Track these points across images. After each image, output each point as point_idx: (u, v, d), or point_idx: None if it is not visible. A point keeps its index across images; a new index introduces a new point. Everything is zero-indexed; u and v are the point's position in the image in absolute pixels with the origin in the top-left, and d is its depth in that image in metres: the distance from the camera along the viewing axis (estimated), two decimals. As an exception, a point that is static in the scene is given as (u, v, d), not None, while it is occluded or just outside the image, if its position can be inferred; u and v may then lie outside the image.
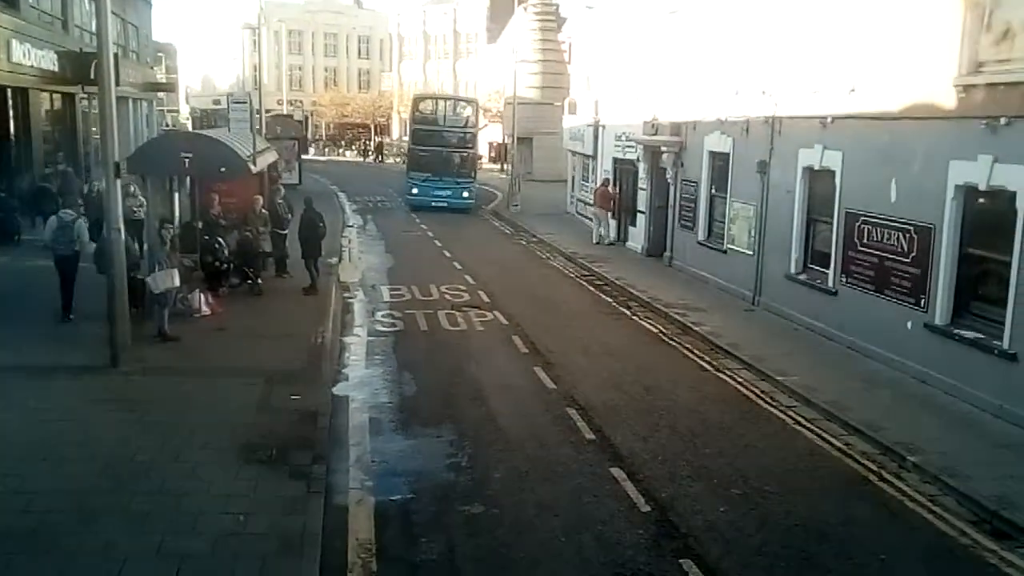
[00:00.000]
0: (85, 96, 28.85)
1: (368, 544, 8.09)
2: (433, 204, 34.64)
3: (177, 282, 14.18)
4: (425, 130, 36.31)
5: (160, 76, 52.33)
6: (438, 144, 35.71)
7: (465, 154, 36.16)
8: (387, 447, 10.50)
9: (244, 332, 14.73)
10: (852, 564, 8.18)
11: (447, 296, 19.23)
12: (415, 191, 35.52)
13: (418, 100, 39.79)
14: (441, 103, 39.26)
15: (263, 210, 18.68)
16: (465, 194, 35.48)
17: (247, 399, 11.33)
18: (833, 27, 16.07)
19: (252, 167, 17.47)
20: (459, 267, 22.72)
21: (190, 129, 46.65)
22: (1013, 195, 11.89)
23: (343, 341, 15.17)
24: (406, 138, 72.38)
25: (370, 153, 70.48)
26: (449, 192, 35.17)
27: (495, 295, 19.45)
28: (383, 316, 17.15)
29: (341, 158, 70.18)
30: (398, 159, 63.29)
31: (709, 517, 8.97)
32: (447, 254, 24.87)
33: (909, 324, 13.99)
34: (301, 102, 76.75)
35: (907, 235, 14.11)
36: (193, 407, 10.95)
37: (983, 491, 9.58)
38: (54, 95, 28.87)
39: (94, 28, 12.81)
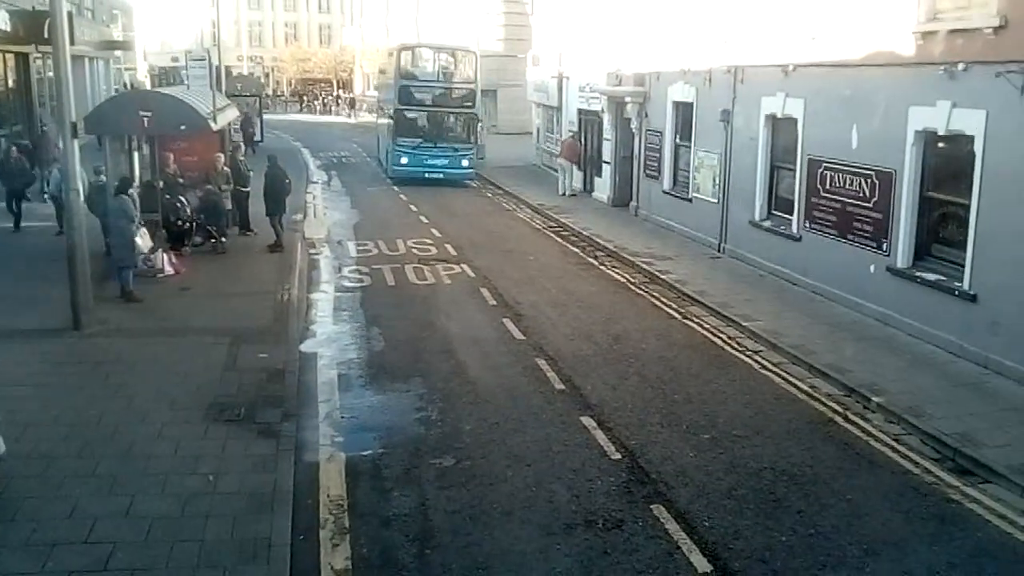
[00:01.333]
0: (39, 56, 28.03)
1: (340, 500, 8.09)
2: (427, 176, 29.06)
3: (150, 242, 14.28)
4: (415, 87, 29.88)
5: (117, 34, 50.92)
6: (432, 104, 29.92)
7: (464, 115, 30.13)
8: (356, 403, 10.48)
9: (209, 291, 14.56)
10: (820, 505, 8.34)
11: (414, 250, 19.12)
12: (404, 160, 29.30)
13: (404, 51, 31.41)
14: (434, 55, 32.08)
15: (225, 167, 18.37)
16: (465, 162, 29.79)
17: (214, 358, 11.23)
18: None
19: (213, 124, 17.11)
20: (425, 221, 22.58)
21: (149, 88, 45.54)
22: (971, 139, 12.00)
23: (310, 298, 15.06)
24: (372, 92, 71.82)
25: (337, 108, 68.88)
26: (446, 161, 29.48)
27: (462, 248, 19.37)
28: (350, 272, 17.02)
29: (303, 115, 69.02)
30: (370, 114, 62.52)
31: (679, 463, 9.09)
32: (413, 208, 24.70)
33: (872, 268, 14.16)
34: (261, 58, 75.40)
35: (868, 180, 14.21)
36: (159, 368, 10.83)
37: (945, 429, 9.79)
38: (7, 55, 27.99)
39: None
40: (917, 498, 8.60)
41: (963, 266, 12.34)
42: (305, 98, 76.89)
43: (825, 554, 7.50)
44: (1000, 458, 9.09)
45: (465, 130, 30.15)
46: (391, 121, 29.87)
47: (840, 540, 7.73)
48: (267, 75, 75.32)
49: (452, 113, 30.22)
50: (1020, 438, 9.64)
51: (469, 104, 29.99)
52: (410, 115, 29.71)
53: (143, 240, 13.92)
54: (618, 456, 9.20)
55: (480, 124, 31.02)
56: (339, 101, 69.36)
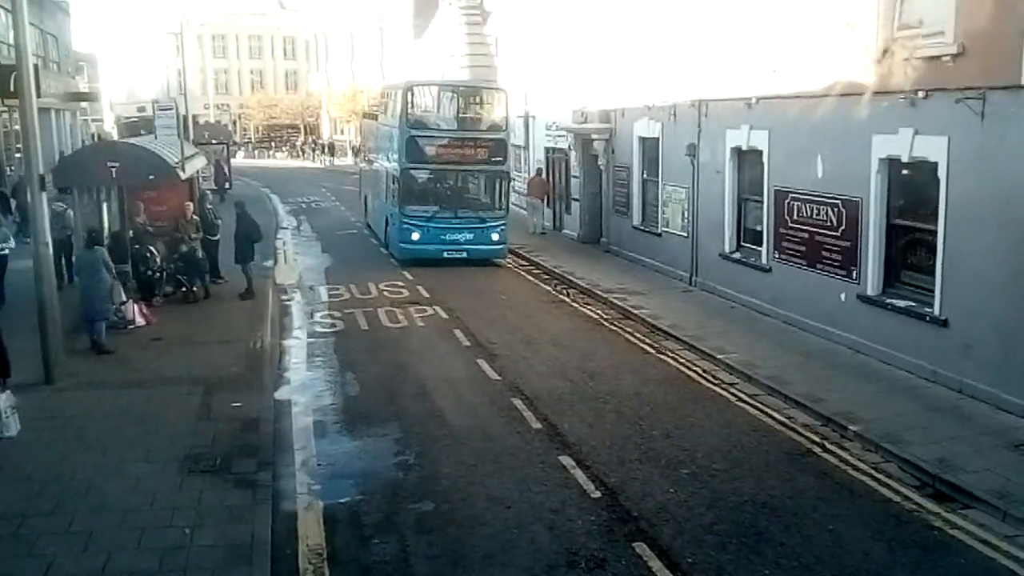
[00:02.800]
0: (5, 109, 27.85)
1: (319, 549, 7.95)
2: (446, 255, 22.01)
3: (121, 294, 14.17)
4: (428, 138, 22.24)
5: (83, 86, 50.81)
6: (451, 160, 22.39)
7: (493, 174, 22.77)
8: (333, 449, 10.35)
9: (181, 340, 14.38)
10: (802, 536, 8.32)
11: (386, 293, 19.06)
12: (415, 237, 21.97)
13: (413, 90, 23.15)
14: (452, 95, 24.37)
15: (194, 216, 18.26)
16: (495, 236, 22.38)
17: (187, 409, 11.06)
18: (754, 9, 16.31)
19: (181, 173, 17.05)
20: (395, 263, 22.53)
21: (115, 139, 45.29)
22: (935, 165, 12.22)
23: (283, 344, 14.92)
24: (341, 136, 71.88)
25: (312, 154, 68.06)
26: (470, 236, 22.25)
27: (434, 290, 19.33)
28: (322, 317, 16.91)
29: (272, 160, 68.96)
30: (338, 161, 62.55)
31: (659, 499, 9.05)
32: (383, 251, 24.64)
33: (842, 296, 14.31)
34: (228, 105, 75.42)
35: (835, 209, 14.41)
36: (132, 420, 10.64)
37: (923, 456, 9.85)
38: (-28, 109, 27.78)
39: (11, 40, 12.38)
40: (899, 526, 8.61)
41: (933, 291, 12.51)
42: (273, 144, 76.95)
43: (810, 585, 7.48)
44: (980, 483, 9.15)
45: (494, 193, 22.83)
46: (395, 185, 22.47)
47: (823, 571, 7.71)
48: (234, 122, 75.31)
49: (477, 172, 22.90)
50: (998, 462, 9.71)
51: (499, 159, 22.51)
52: (422, 176, 22.37)
53: (117, 291, 13.77)
54: (598, 494, 9.14)
55: (512, 184, 24.62)
56: (315, 146, 69.10)
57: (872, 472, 9.79)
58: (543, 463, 9.96)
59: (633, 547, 8.04)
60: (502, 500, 8.97)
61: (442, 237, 22.06)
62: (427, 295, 18.86)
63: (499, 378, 13.02)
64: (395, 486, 9.32)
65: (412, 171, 22.03)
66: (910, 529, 8.55)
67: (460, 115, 23.47)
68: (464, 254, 22.21)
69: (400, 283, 20.16)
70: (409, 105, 22.29)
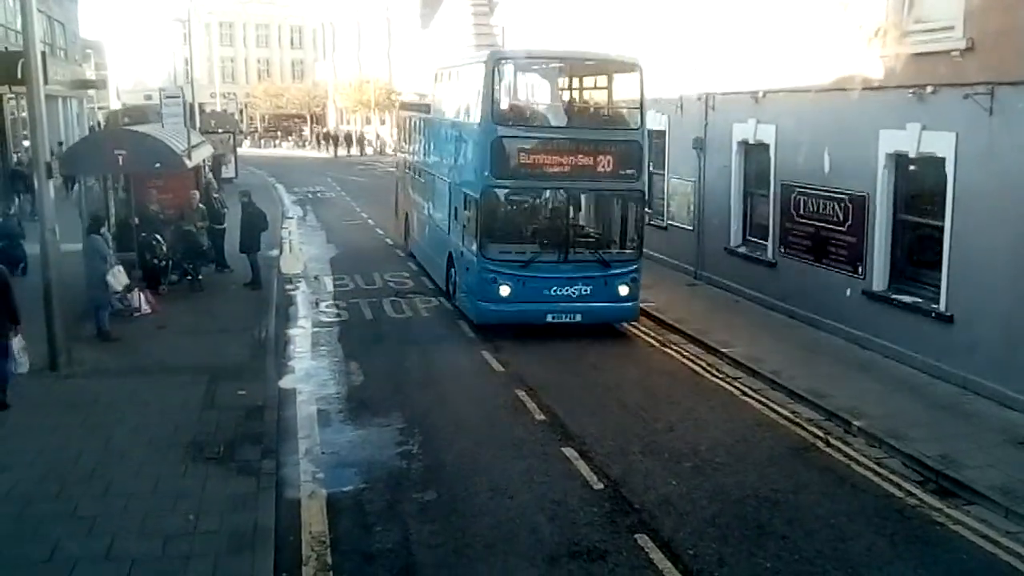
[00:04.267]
0: (13, 96, 27.89)
1: (322, 537, 7.98)
2: (551, 319, 14.63)
3: (127, 280, 14.18)
4: (527, 139, 14.83)
5: (90, 73, 50.86)
6: (560, 173, 14.63)
7: (623, 196, 15.24)
8: (337, 438, 10.38)
9: (186, 329, 14.42)
10: (804, 530, 8.32)
11: (391, 284, 19.07)
12: (505, 292, 14.48)
13: (502, 66, 15.45)
14: (562, 74, 18.15)
15: (200, 205, 18.29)
16: (623, 290, 14.82)
17: (192, 396, 11.09)
18: (761, 2, 16.25)
19: (187, 162, 17.07)
20: (401, 254, 22.53)
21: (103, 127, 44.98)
22: (942, 161, 12.18)
23: (288, 334, 14.95)
24: (345, 127, 71.44)
25: (327, 144, 67.15)
26: (587, 289, 14.63)
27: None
28: (327, 307, 16.94)
29: (278, 150, 68.95)
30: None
31: (662, 491, 9.05)
32: (389, 242, 24.64)
33: (848, 291, 14.29)
34: (234, 94, 75.31)
35: (842, 204, 14.38)
36: (137, 407, 10.68)
37: (927, 451, 9.84)
38: (-22, 95, 27.83)
39: (19, 26, 12.39)
40: (901, 521, 8.61)
41: (939, 288, 12.48)
42: (280, 133, 76.89)
43: (812, 579, 7.49)
44: (982, 479, 9.15)
45: (623, 224, 15.33)
46: (470, 211, 14.87)
47: (825, 565, 7.71)
48: (241, 111, 75.28)
49: (599, 192, 15.36)
50: (1001, 459, 9.70)
51: (630, 172, 14.70)
52: (516, 199, 15.14)
53: (116, 278, 13.74)
54: (601, 486, 9.15)
55: (647, 212, 17.14)
56: (327, 137, 68.47)
57: (875, 468, 9.79)
58: (546, 454, 9.98)
59: (635, 538, 8.05)
60: (505, 490, 8.99)
61: (545, 292, 14.27)
62: (432, 286, 18.77)
63: (503, 369, 13.04)
64: (398, 475, 9.35)
65: (500, 191, 14.45)
66: (912, 524, 8.55)
67: (573, 105, 16.56)
68: (578, 317, 14.44)
69: (405, 274, 20.08)
70: (496, 90, 14.45)
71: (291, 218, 29.89)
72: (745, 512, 8.65)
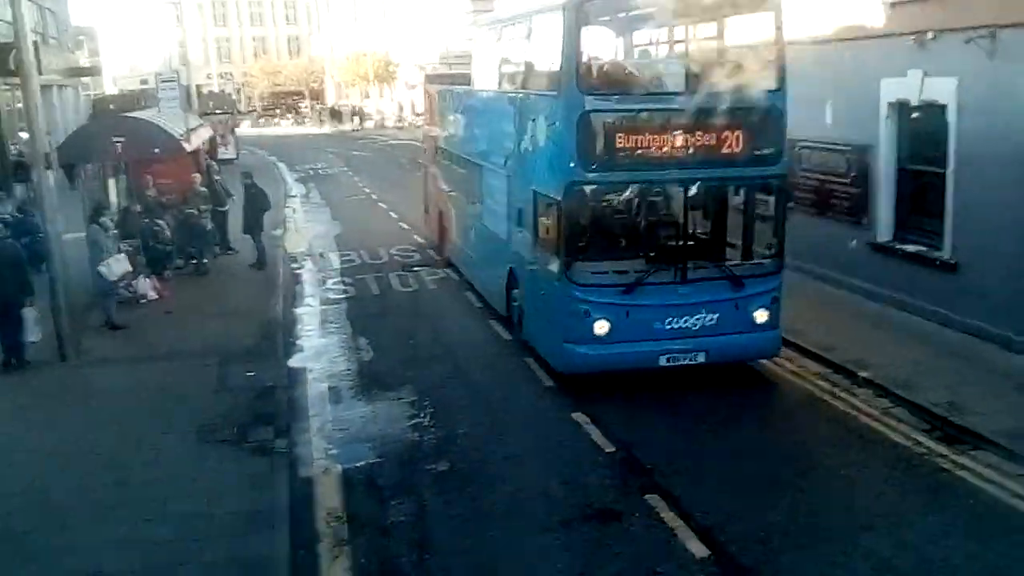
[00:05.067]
0: (7, 87, 27.86)
1: (337, 513, 8.08)
2: (666, 362, 10.56)
3: (129, 267, 14.21)
4: (628, 113, 10.33)
5: (84, 60, 50.61)
6: (675, 160, 10.33)
7: (760, 181, 10.99)
8: (348, 414, 10.46)
9: (193, 313, 14.49)
10: (817, 482, 8.41)
11: (396, 257, 19.10)
12: (603, 329, 10.40)
13: (587, 13, 10.67)
14: (674, 14, 11.64)
15: (202, 188, 18.31)
16: (761, 316, 10.76)
17: (203, 380, 11.18)
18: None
19: (186, 145, 17.07)
20: (406, 227, 22.53)
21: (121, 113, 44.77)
22: (944, 108, 12.09)
23: (295, 312, 15.02)
24: (345, 103, 70.95)
25: (329, 119, 66.31)
26: (714, 316, 10.57)
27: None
28: (334, 283, 16.99)
29: (277, 128, 68.75)
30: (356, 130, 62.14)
31: (672, 451, 9.13)
32: (393, 215, 24.64)
33: (853, 243, 14.24)
34: (231, 74, 75.09)
35: (845, 156, 14.29)
36: (149, 393, 10.77)
37: (932, 399, 9.88)
38: (-29, 88, 27.74)
39: (9, 17, 12.35)
40: (909, 470, 8.67)
41: (942, 236, 12.45)
42: (279, 111, 76.62)
43: (821, 530, 7.57)
44: (988, 424, 9.19)
45: (759, 227, 11.48)
46: (547, 218, 10.88)
47: (835, 516, 7.79)
48: (238, 91, 75.00)
49: (730, 182, 11.27)
50: (1008, 403, 9.75)
51: (770, 150, 10.70)
52: (614, 200, 11.39)
53: (111, 268, 13.61)
54: (612, 449, 9.23)
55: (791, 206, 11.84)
56: (326, 111, 67.96)
57: (882, 417, 9.84)
58: (557, 420, 10.07)
59: (646, 499, 8.13)
60: (518, 458, 9.10)
61: (657, 325, 10.45)
62: (438, 258, 18.74)
63: (510, 338, 13.05)
64: (411, 448, 9.44)
65: (592, 189, 10.56)
66: (920, 472, 8.62)
67: (690, 61, 11.31)
68: (701, 357, 10.60)
69: (411, 247, 20.17)
70: (581, 45, 10.42)
71: (294, 196, 29.90)
72: (757, 468, 8.69)
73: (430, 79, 21.13)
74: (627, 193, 11.13)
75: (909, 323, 12.63)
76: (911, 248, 13.14)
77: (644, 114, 10.31)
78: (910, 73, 12.58)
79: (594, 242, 11.00)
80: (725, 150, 10.36)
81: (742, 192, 11.39)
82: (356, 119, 63.67)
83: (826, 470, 8.67)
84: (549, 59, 11.04)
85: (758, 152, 10.55)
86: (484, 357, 12.41)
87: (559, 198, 10.31)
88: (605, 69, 11.36)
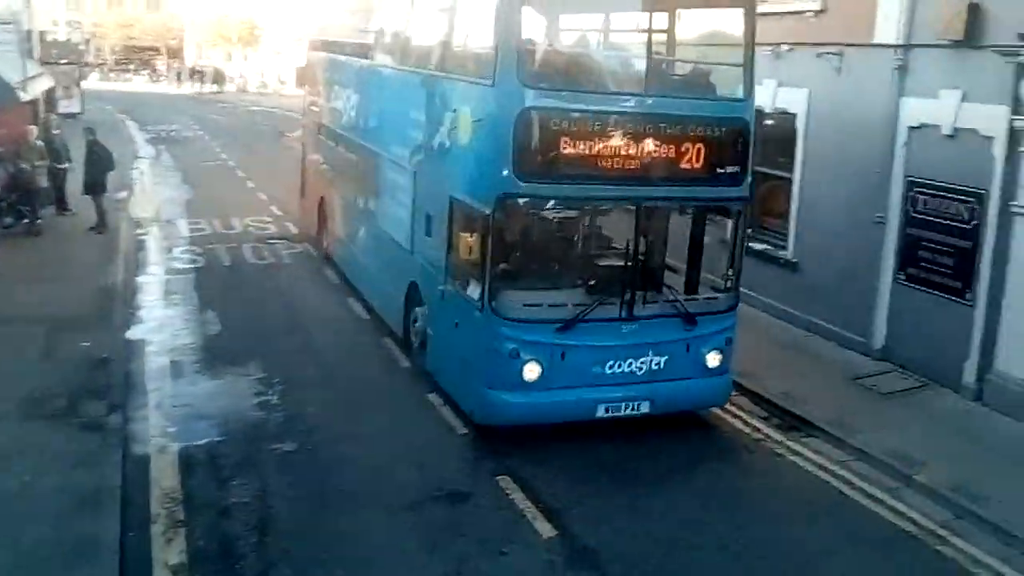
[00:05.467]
0: None
1: (173, 493, 7.70)
2: (606, 412, 8.99)
3: None
4: (579, 115, 8.47)
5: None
6: (627, 175, 8.70)
7: (720, 204, 9.60)
8: (190, 390, 9.97)
9: (22, 276, 13.48)
10: (662, 467, 8.72)
11: (251, 228, 18.40)
12: (533, 373, 8.68)
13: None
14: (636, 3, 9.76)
15: (38, 142, 17.05)
16: (713, 360, 9.35)
17: (28, 349, 10.42)
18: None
19: (22, 94, 15.85)
20: (264, 197, 21.72)
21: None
22: (794, 116, 12.74)
23: (137, 282, 14.19)
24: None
25: (190, 79, 62.95)
26: (662, 361, 9.08)
27: (305, 225, 18.79)
28: (182, 252, 16.16)
29: (131, 85, 65.01)
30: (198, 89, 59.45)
31: (522, 433, 9.17)
32: (250, 184, 23.70)
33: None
34: (79, 23, 70.32)
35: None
36: (-37, 361, 9.96)
37: (772, 389, 10.40)
38: None
39: None
40: (746, 454, 9.12)
41: (787, 236, 13.09)
42: (133, 66, 72.49)
43: (663, 509, 7.89)
44: (819, 413, 9.80)
45: (718, 253, 10.00)
46: (471, 234, 8.98)
47: (678, 494, 8.13)
48: (87, 41, 70.43)
49: (687, 204, 9.84)
50: (837, 395, 10.45)
51: (733, 169, 9.19)
52: (555, 218, 9.95)
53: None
54: (465, 431, 9.20)
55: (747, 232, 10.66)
56: (192, 73, 64.38)
57: (725, 406, 10.22)
58: (412, 401, 9.95)
59: (497, 481, 8.17)
60: (369, 438, 8.95)
61: (597, 369, 8.94)
62: (296, 231, 18.17)
63: (369, 317, 12.80)
64: (257, 427, 9.10)
65: (529, 203, 8.93)
66: (756, 456, 9.10)
67: (651, 58, 9.19)
68: (645, 407, 9.15)
69: (267, 218, 19.41)
70: (522, 26, 8.82)
71: (143, 158, 28.33)
72: (605, 457, 8.85)
73: (315, 45, 17.70)
74: (570, 210, 9.75)
75: (757, 318, 13.15)
76: (759, 246, 13.71)
77: (596, 117, 8.53)
78: (766, 82, 13.09)
79: (527, 267, 9.35)
80: (685, 166, 8.81)
81: (696, 215, 9.93)
82: (214, 83, 60.93)
83: (668, 454, 8.94)
84: (480, 38, 9.39)
85: (721, 170, 9.05)
86: (337, 334, 12.11)
87: (487, 212, 8.44)
88: (552, 57, 9.53)
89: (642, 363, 9.00)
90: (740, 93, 9.26)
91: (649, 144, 8.63)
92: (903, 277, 11.19)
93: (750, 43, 9.29)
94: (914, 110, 10.91)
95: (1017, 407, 9.74)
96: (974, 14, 9.99)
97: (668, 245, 10.34)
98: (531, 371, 8.64)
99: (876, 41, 11.33)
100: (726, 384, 9.66)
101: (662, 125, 8.67)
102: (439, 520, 7.49)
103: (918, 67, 10.85)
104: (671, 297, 9.42)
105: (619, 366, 8.92)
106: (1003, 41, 9.60)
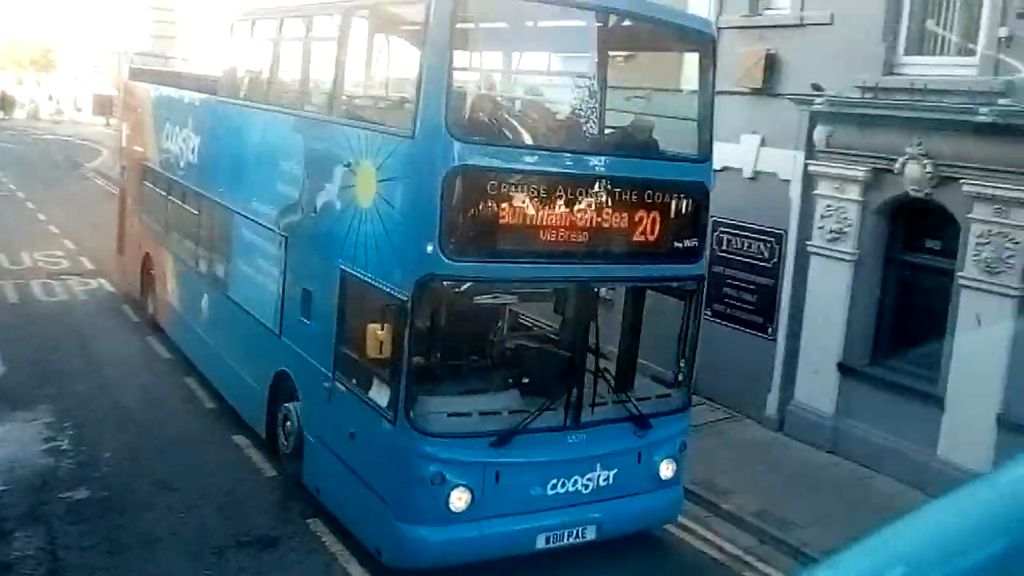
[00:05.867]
0: None
1: (-54, 549, 7.06)
2: (547, 543, 7.19)
3: None
4: (518, 175, 6.97)
5: None
6: (567, 253, 7.22)
7: (679, 287, 8.17)
8: (-33, 437, 9.19)
9: None
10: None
11: (41, 263, 17.17)
12: (460, 501, 6.86)
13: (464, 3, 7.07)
14: (585, 37, 7.93)
15: None
16: (667, 470, 7.82)
17: None
18: None
19: None
20: (56, 231, 20.33)
21: None
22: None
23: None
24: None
25: None
26: (610, 476, 7.43)
27: (101, 261, 17.70)
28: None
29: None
30: None
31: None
32: (41, 217, 22.12)
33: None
34: None
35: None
36: None
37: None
38: None
39: None
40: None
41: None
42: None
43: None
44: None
45: (670, 342, 8.27)
46: (391, 325, 6.82)
47: None
48: None
49: (639, 285, 8.28)
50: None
51: (689, 243, 7.85)
52: (485, 306, 8.19)
53: None
54: (273, 473, 8.96)
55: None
56: None
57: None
58: (216, 443, 9.61)
59: (307, 523, 7.99)
60: (170, 483, 8.54)
61: (537, 491, 7.20)
62: (91, 267, 17.05)
63: (170, 356, 12.25)
64: (45, 474, 8.53)
65: (457, 288, 7.24)
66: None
67: (603, 114, 7.73)
68: (592, 531, 7.48)
69: (60, 252, 18.10)
70: (452, 68, 7.11)
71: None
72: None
73: (136, 74, 15.74)
74: (502, 295, 8.01)
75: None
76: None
77: (542, 178, 7.01)
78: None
79: (452, 365, 7.83)
80: (639, 238, 7.39)
81: (636, 295, 8.33)
82: (1, 109, 56.51)
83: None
84: (393, 76, 8.36)
85: (679, 244, 7.70)
86: (136, 375, 11.51)
87: (403, 297, 6.71)
88: (487, 104, 7.78)
89: (589, 480, 7.33)
90: (698, 151, 7.99)
91: (601, 212, 7.17)
92: (709, 313, 11.59)
93: (709, 93, 8.07)
94: (718, 154, 11.50)
95: (814, 435, 10.41)
96: (771, 64, 10.79)
97: (629, 334, 8.37)
98: (459, 499, 6.83)
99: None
100: (678, 497, 8.09)
101: (616, 189, 7.21)
102: (247, 565, 7.25)
103: (721, 112, 11.48)
104: (621, 397, 7.67)
105: (563, 485, 7.22)
106: (798, 90, 10.36)
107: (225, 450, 9.43)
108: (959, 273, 9.09)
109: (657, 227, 7.46)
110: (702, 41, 8.24)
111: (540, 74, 10.31)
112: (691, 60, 8.61)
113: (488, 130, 7.34)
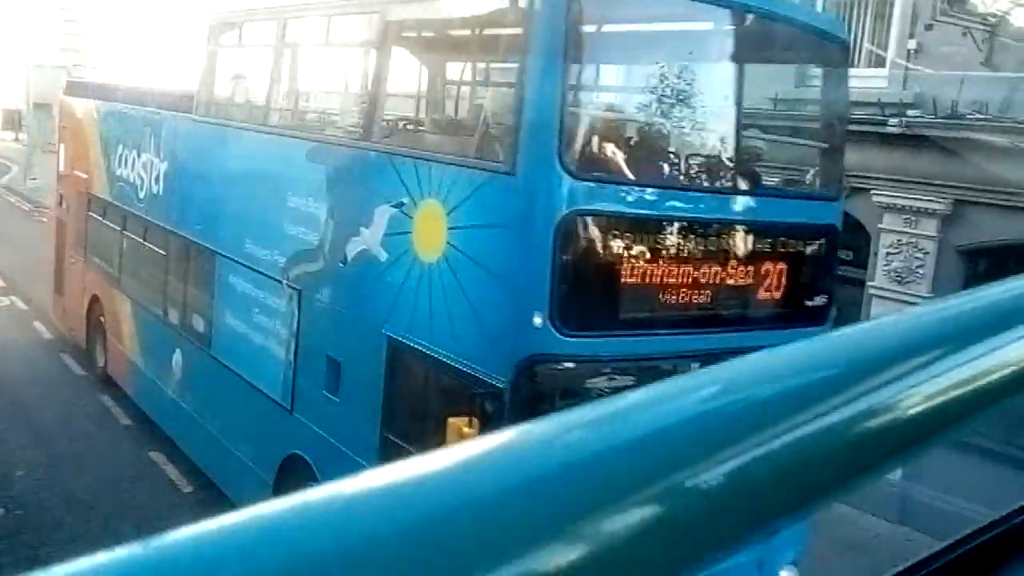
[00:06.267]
0: None
1: None
2: None
3: None
4: (650, 223, 5.47)
5: None
6: (696, 319, 5.75)
7: None
8: None
9: None
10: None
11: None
12: None
13: (581, 8, 5.25)
14: (724, 45, 6.42)
15: None
16: None
17: None
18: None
19: None
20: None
21: None
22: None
23: None
24: None
25: None
26: None
27: (12, 277, 17.28)
28: None
29: None
30: None
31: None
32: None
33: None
34: None
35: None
36: None
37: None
38: None
39: None
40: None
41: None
42: None
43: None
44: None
45: None
46: (476, 421, 5.06)
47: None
48: None
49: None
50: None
51: (818, 301, 6.38)
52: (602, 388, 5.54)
53: None
54: (191, 488, 9.03)
55: None
56: None
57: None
58: (132, 460, 9.64)
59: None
60: (85, 501, 8.62)
61: None
62: (2, 284, 16.60)
63: (85, 373, 12.13)
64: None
65: (573, 373, 5.44)
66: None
67: (742, 135, 6.51)
68: None
69: None
70: (567, 86, 5.37)
71: None
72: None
73: (75, 88, 13.99)
74: (621, 377, 5.71)
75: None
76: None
77: (677, 226, 5.58)
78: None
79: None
80: (769, 298, 6.05)
81: None
82: None
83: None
84: (464, 91, 6.96)
85: (808, 302, 6.32)
86: (48, 393, 11.35)
87: (499, 385, 5.15)
88: (607, 131, 6.09)
89: None
90: (830, 188, 6.72)
91: (739, 266, 5.79)
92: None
93: (842, 110, 6.79)
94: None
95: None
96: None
97: None
98: None
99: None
100: None
101: (751, 236, 5.81)
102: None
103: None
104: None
105: None
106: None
107: (140, 467, 9.48)
108: (870, 283, 9.20)
109: (788, 283, 6.07)
110: (837, 46, 6.69)
111: (664, 91, 7.16)
112: (818, 71, 7.25)
113: (611, 164, 5.76)
